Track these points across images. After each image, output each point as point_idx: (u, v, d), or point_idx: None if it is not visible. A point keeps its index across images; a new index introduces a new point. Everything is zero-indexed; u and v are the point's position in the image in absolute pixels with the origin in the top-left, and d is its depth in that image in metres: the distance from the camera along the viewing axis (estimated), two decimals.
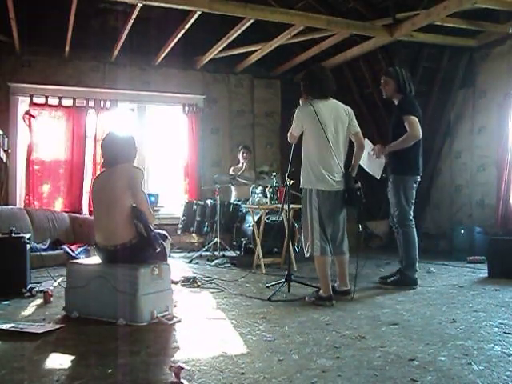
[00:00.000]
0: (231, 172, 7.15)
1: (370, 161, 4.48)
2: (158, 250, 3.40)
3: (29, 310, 3.61)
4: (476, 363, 2.38)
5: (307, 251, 3.86)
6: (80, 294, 3.37)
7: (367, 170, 4.55)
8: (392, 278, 4.47)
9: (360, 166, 4.21)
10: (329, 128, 3.78)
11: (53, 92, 7.20)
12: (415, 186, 4.43)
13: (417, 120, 4.29)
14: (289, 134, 4.03)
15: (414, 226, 4.40)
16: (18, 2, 5.69)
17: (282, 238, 5.72)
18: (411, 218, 4.40)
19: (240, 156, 7.33)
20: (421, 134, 4.31)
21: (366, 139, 4.29)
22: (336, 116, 3.84)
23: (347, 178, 3.85)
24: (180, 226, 6.81)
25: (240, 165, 7.32)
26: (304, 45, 7.37)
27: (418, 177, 4.45)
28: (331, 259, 3.88)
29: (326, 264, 3.80)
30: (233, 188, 7.27)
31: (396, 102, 4.51)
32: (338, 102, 3.95)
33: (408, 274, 4.39)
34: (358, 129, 3.97)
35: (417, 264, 4.41)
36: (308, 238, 3.83)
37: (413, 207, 4.43)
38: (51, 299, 3.83)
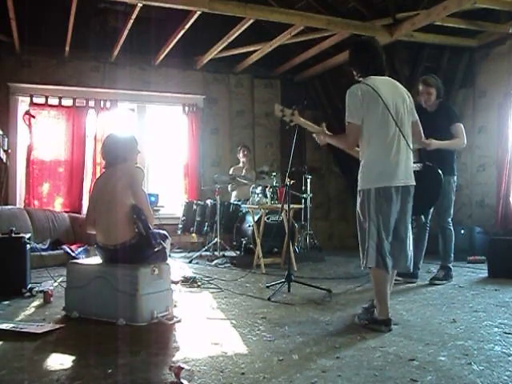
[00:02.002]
0: (231, 172, 7.14)
1: None
2: (157, 249, 3.40)
3: (29, 310, 3.61)
4: (476, 363, 2.38)
5: (363, 262, 3.12)
6: (80, 293, 3.37)
7: None
8: (442, 275, 4.65)
9: None
10: (392, 107, 3.06)
11: (53, 92, 7.19)
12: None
13: (463, 128, 4.60)
14: (347, 132, 3.11)
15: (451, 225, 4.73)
16: (18, 2, 5.69)
17: (282, 238, 5.72)
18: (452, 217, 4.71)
19: (240, 155, 7.32)
20: None
21: None
22: (396, 93, 3.14)
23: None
24: (180, 226, 6.82)
25: (241, 164, 7.31)
26: (304, 45, 7.37)
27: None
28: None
29: (385, 280, 3.07)
30: (231, 188, 7.25)
31: (429, 107, 4.64)
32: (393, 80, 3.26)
33: (451, 267, 4.73)
34: (417, 117, 3.29)
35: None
36: (364, 246, 3.10)
37: None
38: (51, 299, 3.83)
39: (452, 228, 4.70)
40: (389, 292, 3.12)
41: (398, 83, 3.25)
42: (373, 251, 3.04)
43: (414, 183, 3.14)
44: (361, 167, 3.16)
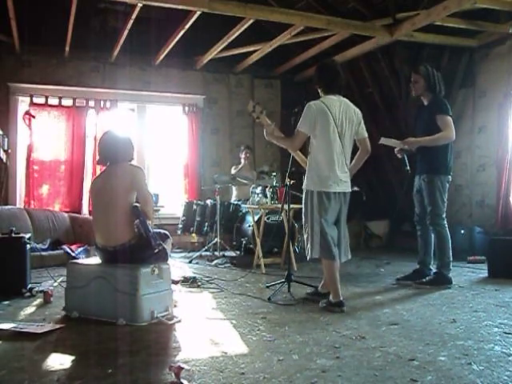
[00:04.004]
0: (232, 172, 7.14)
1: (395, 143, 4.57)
2: (157, 250, 3.40)
3: (29, 310, 3.61)
4: (476, 363, 2.39)
5: (308, 254, 3.72)
6: (80, 294, 3.37)
7: (394, 145, 4.59)
8: (427, 278, 4.43)
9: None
10: (339, 126, 3.64)
11: (53, 92, 7.20)
12: (448, 185, 4.46)
13: (451, 120, 4.37)
14: (294, 137, 3.71)
15: (446, 225, 4.41)
16: (18, 2, 5.69)
17: (282, 238, 5.72)
18: (444, 217, 4.41)
19: (242, 156, 7.33)
20: (454, 135, 4.38)
21: (382, 138, 4.53)
22: (346, 114, 3.68)
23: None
24: (180, 226, 6.82)
25: (241, 165, 7.32)
26: (304, 45, 7.37)
27: (450, 176, 4.49)
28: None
29: (333, 267, 3.64)
30: (233, 188, 7.27)
31: (425, 101, 4.54)
32: (348, 101, 3.77)
33: (444, 273, 4.41)
34: (366, 134, 3.83)
35: (451, 263, 4.43)
36: (309, 240, 3.68)
37: (446, 206, 4.45)
38: (51, 299, 3.83)
39: (441, 229, 4.37)
40: (338, 277, 3.65)
41: (351, 105, 3.77)
42: (317, 245, 3.63)
43: (350, 190, 3.75)
44: (308, 171, 3.75)
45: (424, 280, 4.44)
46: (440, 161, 4.40)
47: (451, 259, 4.43)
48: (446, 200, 4.43)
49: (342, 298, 3.60)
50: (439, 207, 4.37)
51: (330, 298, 3.64)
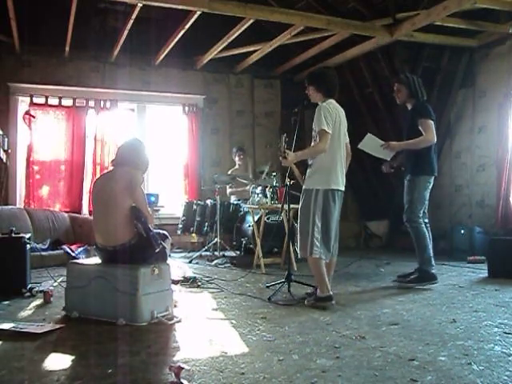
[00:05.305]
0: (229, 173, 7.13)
1: (378, 149, 4.58)
2: (158, 250, 3.40)
3: (29, 310, 3.61)
4: (476, 363, 2.38)
5: (306, 252, 3.69)
6: (80, 293, 3.37)
7: (376, 155, 4.65)
8: (411, 277, 4.48)
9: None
10: (342, 127, 3.82)
11: (53, 92, 7.20)
12: (430, 186, 4.54)
13: (432, 124, 4.45)
14: (322, 139, 3.64)
15: (422, 223, 4.49)
16: (18, 2, 5.69)
17: (282, 238, 5.72)
18: (420, 215, 4.49)
19: (236, 159, 7.36)
20: (435, 137, 4.48)
21: (369, 134, 4.60)
22: (343, 119, 3.87)
23: None
24: (180, 226, 6.81)
25: (237, 166, 7.35)
26: (304, 45, 7.37)
27: (433, 177, 4.56)
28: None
29: (323, 265, 3.72)
30: (231, 189, 7.23)
31: (409, 107, 4.63)
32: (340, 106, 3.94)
33: (426, 269, 4.45)
34: (348, 139, 4.01)
35: (432, 260, 4.47)
36: (307, 239, 3.68)
37: (426, 206, 4.54)
38: (51, 299, 3.83)
39: (416, 226, 4.45)
40: (326, 273, 3.73)
41: (343, 110, 3.90)
42: (318, 243, 3.65)
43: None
44: (312, 171, 3.76)
45: (407, 279, 4.49)
46: (422, 162, 4.50)
47: (431, 255, 4.48)
48: (425, 200, 4.52)
49: (331, 292, 3.68)
50: (415, 205, 4.47)
51: (318, 293, 3.72)
